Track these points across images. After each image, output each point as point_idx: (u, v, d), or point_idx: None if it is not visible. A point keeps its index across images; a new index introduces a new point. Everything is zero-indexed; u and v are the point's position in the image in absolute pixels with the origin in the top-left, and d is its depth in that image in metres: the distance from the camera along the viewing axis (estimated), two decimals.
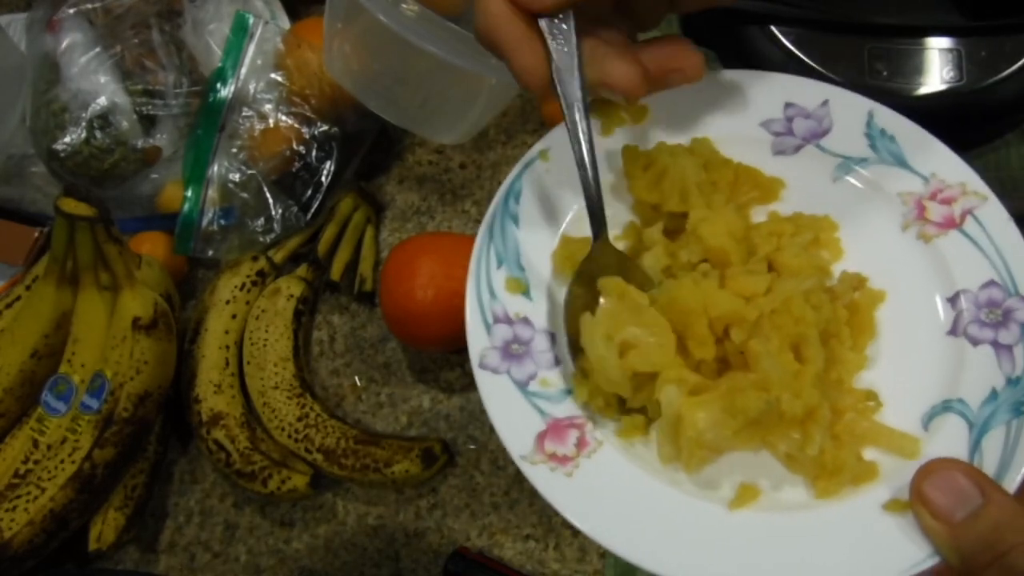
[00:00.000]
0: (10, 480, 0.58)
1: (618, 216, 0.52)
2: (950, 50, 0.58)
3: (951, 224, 0.49)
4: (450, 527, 0.60)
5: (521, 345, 0.48)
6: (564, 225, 0.51)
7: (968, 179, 0.49)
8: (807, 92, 0.52)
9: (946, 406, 0.45)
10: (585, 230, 0.51)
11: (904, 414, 0.45)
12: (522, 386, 0.46)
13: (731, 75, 0.53)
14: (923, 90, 0.58)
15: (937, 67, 0.58)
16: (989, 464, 0.42)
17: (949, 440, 0.44)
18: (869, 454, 0.45)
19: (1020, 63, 0.58)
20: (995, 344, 0.45)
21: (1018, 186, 0.60)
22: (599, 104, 0.52)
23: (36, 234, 0.68)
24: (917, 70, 0.58)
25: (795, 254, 0.47)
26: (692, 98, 0.52)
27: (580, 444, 0.45)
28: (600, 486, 0.44)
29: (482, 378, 0.46)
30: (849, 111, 0.51)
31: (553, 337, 0.48)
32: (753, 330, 0.44)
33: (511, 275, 0.49)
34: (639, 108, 0.52)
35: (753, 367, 0.44)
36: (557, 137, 0.52)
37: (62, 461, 0.56)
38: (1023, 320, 0.46)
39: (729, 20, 0.62)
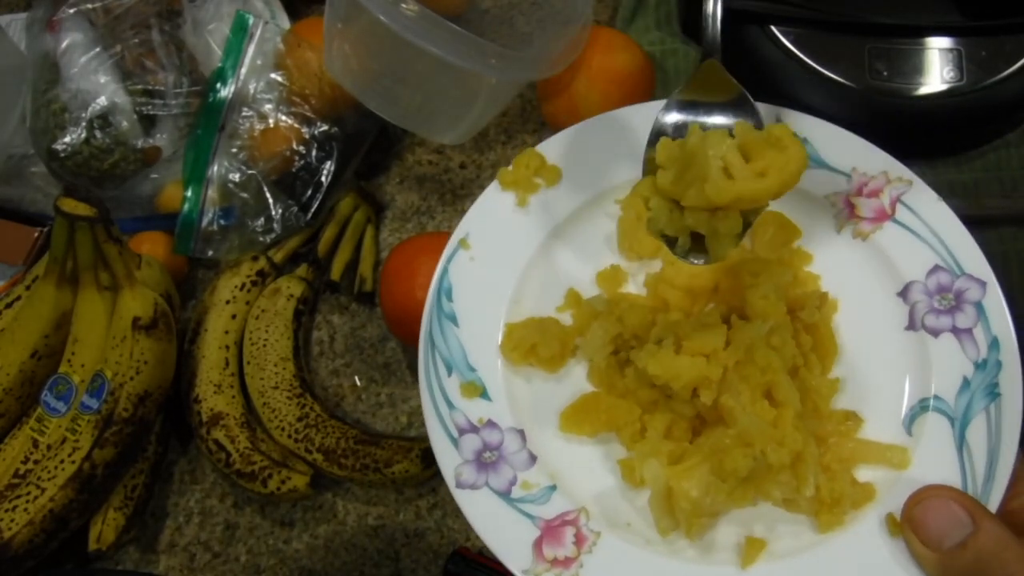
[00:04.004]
0: (10, 480, 0.58)
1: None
2: (950, 50, 0.58)
3: (883, 216, 0.48)
4: (450, 527, 0.60)
5: (492, 452, 0.46)
6: (505, 313, 0.50)
7: (889, 166, 0.49)
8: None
9: (923, 405, 0.45)
10: (528, 312, 0.50)
11: (885, 423, 0.45)
12: (505, 495, 0.45)
13: (627, 114, 0.52)
14: (923, 90, 0.58)
15: (937, 67, 0.58)
16: (978, 458, 0.42)
17: (934, 440, 0.44)
18: (862, 473, 0.44)
19: (1020, 63, 0.58)
20: (955, 331, 0.45)
21: (1018, 186, 0.60)
22: (506, 175, 0.52)
23: (36, 234, 0.68)
24: (917, 70, 0.58)
25: (763, 295, 0.46)
26: (599, 155, 0.52)
27: (579, 540, 0.44)
28: None
29: (463, 498, 0.45)
30: None
31: (522, 433, 0.47)
32: (721, 387, 0.43)
33: (464, 380, 0.48)
34: (551, 169, 0.52)
35: (730, 422, 0.43)
36: (473, 220, 0.51)
37: (62, 461, 0.56)
38: (976, 299, 0.45)
39: (729, 20, 0.62)
